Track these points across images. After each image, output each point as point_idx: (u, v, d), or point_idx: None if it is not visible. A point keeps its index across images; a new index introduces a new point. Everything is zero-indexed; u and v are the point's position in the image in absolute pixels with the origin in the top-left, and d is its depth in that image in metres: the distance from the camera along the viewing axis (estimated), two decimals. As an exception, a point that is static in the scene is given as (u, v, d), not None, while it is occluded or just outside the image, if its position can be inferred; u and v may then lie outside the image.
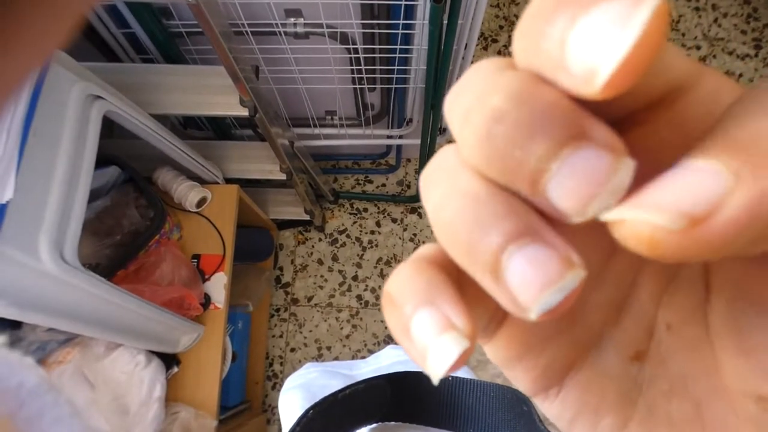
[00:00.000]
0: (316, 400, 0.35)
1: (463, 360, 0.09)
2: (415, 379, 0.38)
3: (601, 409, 0.12)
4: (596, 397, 0.12)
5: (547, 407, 0.13)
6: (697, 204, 0.07)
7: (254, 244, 1.21)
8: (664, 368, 0.12)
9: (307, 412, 0.33)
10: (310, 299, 1.33)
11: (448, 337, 0.09)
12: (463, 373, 0.49)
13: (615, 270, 0.12)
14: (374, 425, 0.38)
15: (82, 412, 0.37)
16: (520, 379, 0.13)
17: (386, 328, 1.30)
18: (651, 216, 0.08)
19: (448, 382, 0.37)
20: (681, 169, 0.08)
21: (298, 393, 0.47)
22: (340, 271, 1.34)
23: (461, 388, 0.37)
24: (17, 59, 0.10)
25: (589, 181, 0.08)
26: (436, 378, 0.09)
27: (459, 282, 0.10)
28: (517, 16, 1.44)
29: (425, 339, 0.09)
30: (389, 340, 1.30)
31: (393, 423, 0.39)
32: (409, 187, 1.39)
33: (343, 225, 1.37)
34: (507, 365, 0.12)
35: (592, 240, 0.12)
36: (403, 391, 0.38)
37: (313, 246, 1.36)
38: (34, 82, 0.53)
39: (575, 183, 0.08)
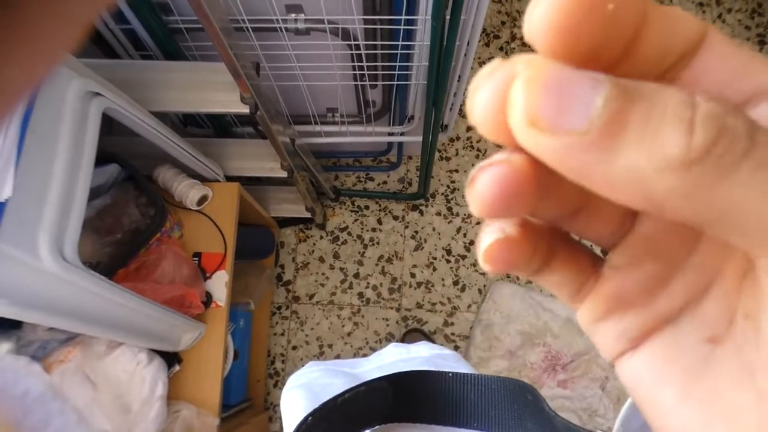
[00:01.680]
0: (319, 399, 0.34)
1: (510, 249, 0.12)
2: (417, 379, 0.38)
3: (664, 380, 0.13)
4: (662, 369, 0.13)
5: (617, 371, 0.14)
6: (556, 105, 0.09)
7: (255, 242, 1.21)
8: (736, 356, 0.12)
9: (306, 418, 0.33)
10: (311, 297, 1.33)
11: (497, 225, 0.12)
12: (465, 369, 0.49)
13: (702, 254, 0.13)
14: (377, 427, 0.38)
15: (87, 419, 0.36)
16: (600, 342, 0.14)
17: (387, 325, 1.30)
18: (530, 78, 0.09)
19: (448, 378, 0.37)
20: (596, 75, 0.09)
21: (300, 393, 0.47)
22: (341, 269, 1.34)
23: (463, 383, 0.37)
24: (24, 67, 0.10)
25: (483, 77, 0.10)
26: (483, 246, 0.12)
27: (552, 249, 0.13)
28: (519, 12, 1.43)
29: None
30: (390, 337, 1.30)
31: (396, 424, 0.39)
32: (410, 184, 1.39)
33: (344, 223, 1.37)
34: (591, 328, 0.14)
35: (679, 228, 0.13)
36: (405, 391, 0.38)
37: (314, 244, 1.36)
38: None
39: (479, 85, 0.10)
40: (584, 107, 0.08)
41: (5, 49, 0.09)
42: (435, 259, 1.33)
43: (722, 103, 0.08)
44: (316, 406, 0.34)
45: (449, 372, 0.37)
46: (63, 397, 0.36)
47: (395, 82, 0.92)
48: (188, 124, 1.09)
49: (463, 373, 0.37)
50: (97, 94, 0.60)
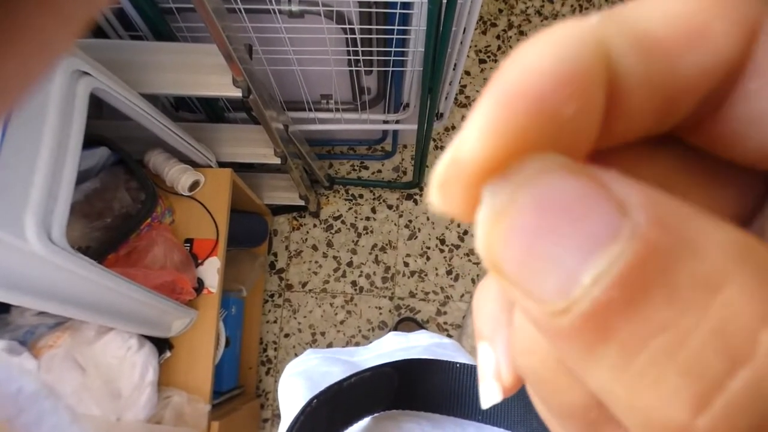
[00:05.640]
0: (318, 387, 0.34)
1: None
2: (424, 367, 0.37)
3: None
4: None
5: None
6: (521, 259, 0.06)
7: (248, 229, 1.20)
8: None
9: (311, 401, 0.32)
10: (304, 285, 1.33)
11: (493, 384, 0.10)
12: (463, 358, 0.49)
13: None
14: (380, 413, 0.38)
15: (80, 417, 0.36)
16: None
17: (380, 314, 1.30)
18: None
19: (456, 368, 0.37)
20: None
21: (299, 380, 0.46)
22: (334, 257, 1.34)
23: (471, 375, 0.37)
24: (23, 64, 0.09)
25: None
26: (483, 405, 0.10)
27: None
28: (516, 0, 1.42)
29: (482, 368, 0.10)
30: (383, 326, 1.30)
31: (399, 411, 0.38)
32: (405, 173, 1.38)
33: (338, 211, 1.36)
34: None
35: None
36: (411, 378, 0.37)
37: (307, 232, 1.35)
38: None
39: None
40: (562, 276, 0.06)
41: (5, 44, 0.09)
42: (429, 248, 1.33)
43: None
44: (315, 393, 0.34)
45: (457, 363, 0.37)
46: (56, 396, 0.35)
47: (390, 69, 0.91)
48: (180, 109, 1.07)
49: (472, 365, 0.36)
50: (86, 73, 0.59)
